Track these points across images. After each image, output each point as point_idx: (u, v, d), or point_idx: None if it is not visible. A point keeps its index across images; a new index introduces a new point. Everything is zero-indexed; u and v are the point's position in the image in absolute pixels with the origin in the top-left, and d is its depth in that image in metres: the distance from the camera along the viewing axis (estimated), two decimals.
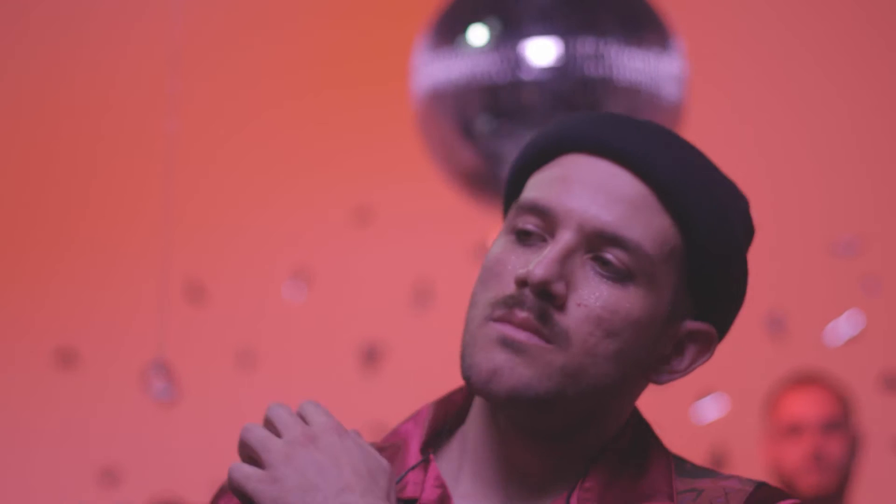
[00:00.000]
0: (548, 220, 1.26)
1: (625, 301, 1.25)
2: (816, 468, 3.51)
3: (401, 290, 4.42)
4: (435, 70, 2.81)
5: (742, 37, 4.49)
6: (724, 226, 1.28)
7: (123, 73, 4.61)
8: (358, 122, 4.41)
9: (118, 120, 4.63)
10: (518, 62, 2.74)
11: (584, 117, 1.31)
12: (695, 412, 4.36)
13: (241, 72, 4.62)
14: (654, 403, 5.20)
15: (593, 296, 1.24)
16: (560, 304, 1.24)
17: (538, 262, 1.24)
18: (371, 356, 4.52)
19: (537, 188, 1.29)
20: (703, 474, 1.32)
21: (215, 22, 4.56)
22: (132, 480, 4.52)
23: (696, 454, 4.77)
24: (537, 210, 1.27)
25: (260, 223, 4.52)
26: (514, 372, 1.23)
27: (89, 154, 4.65)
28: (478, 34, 2.76)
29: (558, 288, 1.24)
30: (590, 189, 1.26)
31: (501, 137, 2.75)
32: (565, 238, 1.25)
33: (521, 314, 1.24)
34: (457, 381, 1.36)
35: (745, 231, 1.32)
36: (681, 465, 1.33)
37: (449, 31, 2.81)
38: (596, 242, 1.25)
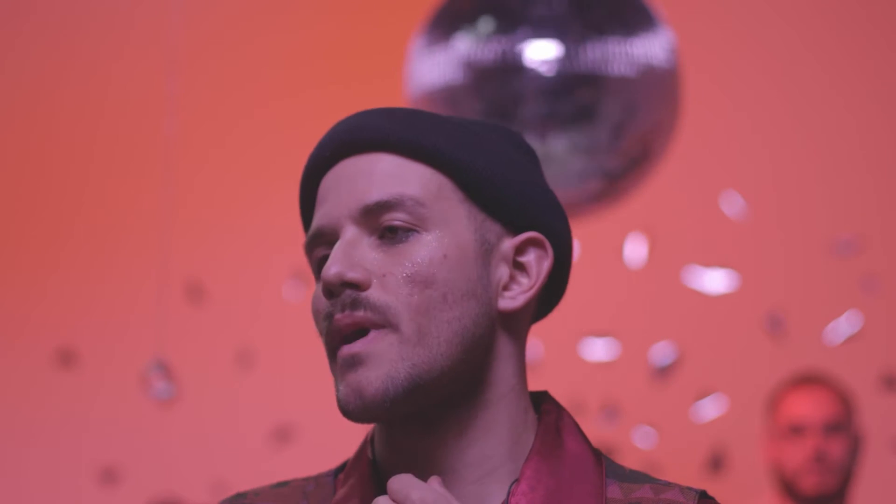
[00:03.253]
0: (332, 238, 1.30)
1: (422, 250, 1.27)
2: (818, 469, 3.51)
3: None
4: (431, 67, 2.81)
5: (743, 35, 4.49)
6: (467, 149, 1.31)
7: (121, 72, 4.61)
8: None
9: (116, 119, 4.62)
10: (514, 59, 2.73)
11: (315, 149, 1.35)
12: (695, 412, 4.36)
13: (239, 71, 4.61)
14: (654, 404, 5.18)
15: (393, 263, 1.27)
16: (366, 288, 1.26)
17: (326, 266, 1.27)
18: None
19: (312, 224, 1.33)
20: (641, 480, 1.31)
21: (212, 21, 4.56)
22: (131, 480, 4.51)
23: (695, 454, 4.79)
24: (319, 238, 1.31)
25: (259, 222, 4.51)
26: (368, 380, 1.25)
27: (88, 153, 4.65)
28: (474, 31, 2.76)
29: (355, 274, 1.26)
30: (341, 188, 1.30)
31: None
32: (344, 236, 1.28)
33: (339, 315, 1.26)
34: None
35: (512, 144, 1.35)
36: (615, 469, 1.32)
37: (445, 28, 2.80)
38: (371, 221, 1.28)
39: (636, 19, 2.81)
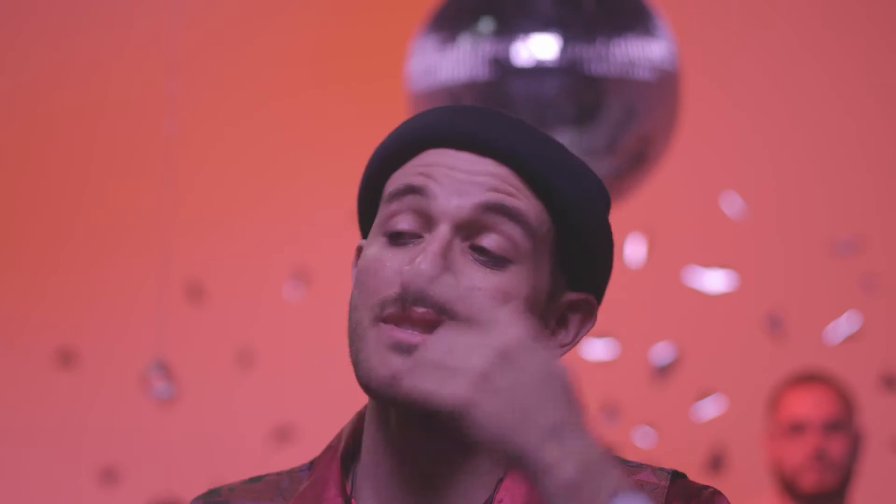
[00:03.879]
0: (420, 209, 1.25)
1: (510, 282, 1.24)
2: (818, 467, 3.51)
3: None
4: (432, 67, 2.80)
5: (743, 36, 4.49)
6: (586, 200, 1.28)
7: (121, 73, 4.61)
8: (356, 120, 4.41)
9: (116, 120, 4.62)
10: (515, 59, 2.73)
11: (441, 112, 1.30)
12: (695, 412, 4.36)
13: (239, 71, 4.61)
14: (654, 403, 5.17)
15: (483, 281, 1.23)
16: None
17: (421, 259, 1.22)
18: None
19: (403, 179, 1.27)
20: None
21: (212, 21, 4.56)
22: (131, 480, 4.51)
23: (695, 454, 4.78)
24: (408, 192, 1.25)
25: (259, 223, 4.51)
26: (412, 377, 1.14)
27: (88, 153, 4.65)
28: (475, 31, 2.76)
29: (439, 295, 1.19)
30: (462, 171, 1.25)
31: None
32: (442, 231, 1.23)
33: (420, 310, 1.21)
34: None
35: (604, 200, 1.32)
36: None
37: (446, 28, 2.80)
38: (474, 223, 1.24)
39: (637, 20, 2.81)
